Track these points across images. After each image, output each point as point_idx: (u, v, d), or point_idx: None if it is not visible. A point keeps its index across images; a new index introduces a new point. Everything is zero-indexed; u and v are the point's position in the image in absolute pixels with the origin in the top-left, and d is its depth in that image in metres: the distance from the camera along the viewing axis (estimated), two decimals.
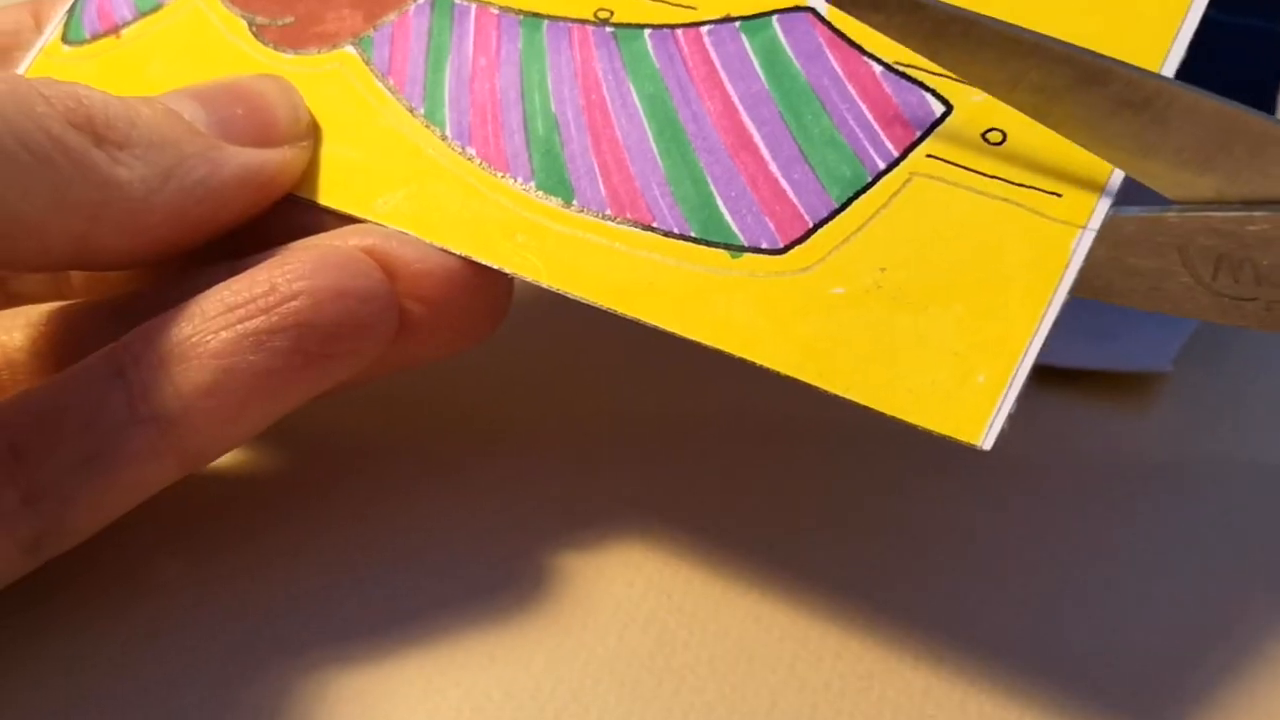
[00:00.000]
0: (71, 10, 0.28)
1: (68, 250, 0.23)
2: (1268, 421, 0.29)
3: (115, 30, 0.27)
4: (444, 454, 0.27)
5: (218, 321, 0.23)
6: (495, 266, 0.24)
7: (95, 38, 0.27)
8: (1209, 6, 0.23)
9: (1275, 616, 0.25)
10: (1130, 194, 0.23)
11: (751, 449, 0.28)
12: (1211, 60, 0.24)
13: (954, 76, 0.23)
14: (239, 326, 0.23)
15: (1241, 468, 0.28)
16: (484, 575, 0.25)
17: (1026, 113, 0.23)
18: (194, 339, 0.22)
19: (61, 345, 0.25)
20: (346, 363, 0.23)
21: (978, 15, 0.23)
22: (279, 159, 0.25)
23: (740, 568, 0.25)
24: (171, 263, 0.26)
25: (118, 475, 0.22)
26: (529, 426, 0.28)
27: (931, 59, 0.23)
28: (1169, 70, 0.23)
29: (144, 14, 0.27)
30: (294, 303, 0.23)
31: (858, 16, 0.23)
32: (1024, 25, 0.23)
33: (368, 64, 0.26)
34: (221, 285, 0.23)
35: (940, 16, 0.23)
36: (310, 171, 0.25)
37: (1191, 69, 0.23)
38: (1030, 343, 0.22)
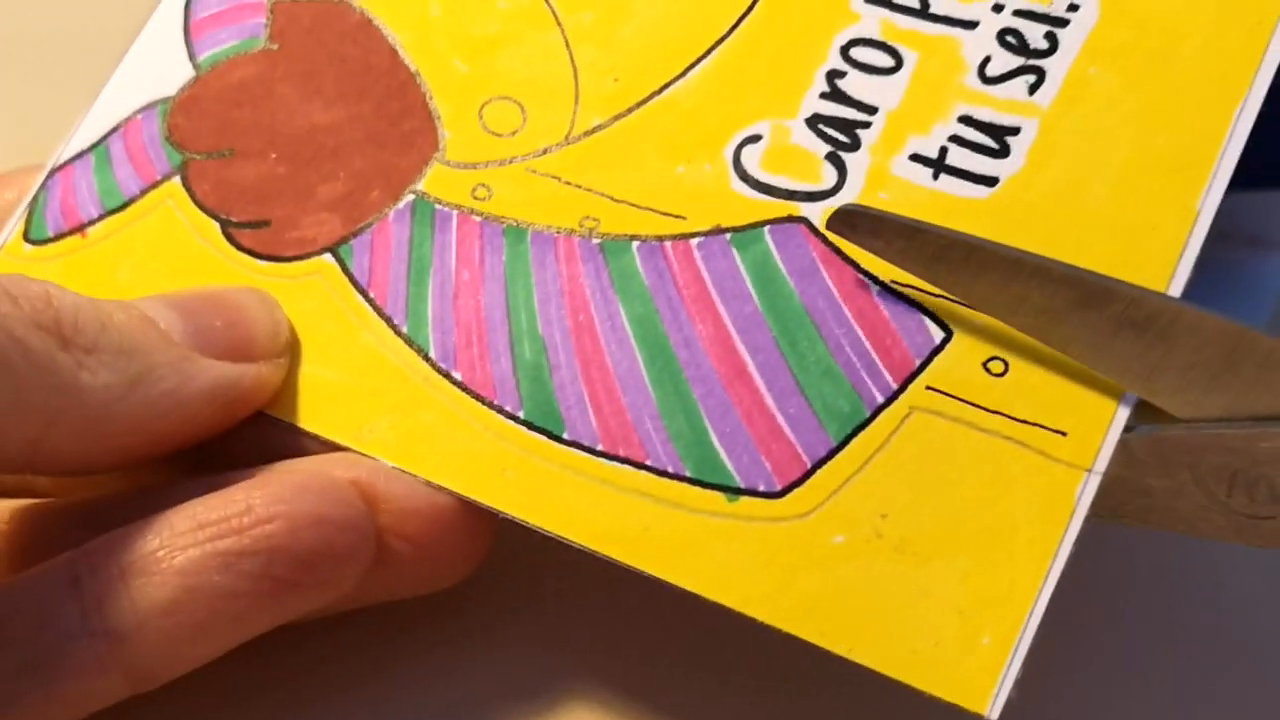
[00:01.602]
0: (33, 206, 0.26)
1: (19, 453, 0.22)
2: None
3: (81, 229, 0.26)
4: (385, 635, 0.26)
5: (186, 538, 0.22)
6: (485, 505, 0.23)
7: (59, 236, 0.26)
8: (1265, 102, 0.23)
9: None
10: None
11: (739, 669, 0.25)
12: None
13: (953, 298, 0.23)
14: (208, 545, 0.22)
15: None
16: None
17: (1029, 334, 0.23)
18: (158, 553, 0.22)
19: (23, 546, 0.24)
20: (316, 593, 0.23)
21: (979, 239, 0.22)
22: (254, 374, 0.24)
23: None
24: (144, 470, 0.25)
25: (59, 688, 0.21)
26: (495, 601, 0.26)
27: (932, 283, 0.23)
28: (1176, 288, 0.23)
29: (111, 212, 0.26)
30: (269, 526, 0.22)
31: (856, 243, 0.23)
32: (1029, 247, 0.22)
33: (347, 274, 0.25)
34: (195, 501, 0.22)
35: (941, 242, 0.23)
36: (288, 391, 0.24)
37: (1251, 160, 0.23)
38: (1036, 601, 0.21)
